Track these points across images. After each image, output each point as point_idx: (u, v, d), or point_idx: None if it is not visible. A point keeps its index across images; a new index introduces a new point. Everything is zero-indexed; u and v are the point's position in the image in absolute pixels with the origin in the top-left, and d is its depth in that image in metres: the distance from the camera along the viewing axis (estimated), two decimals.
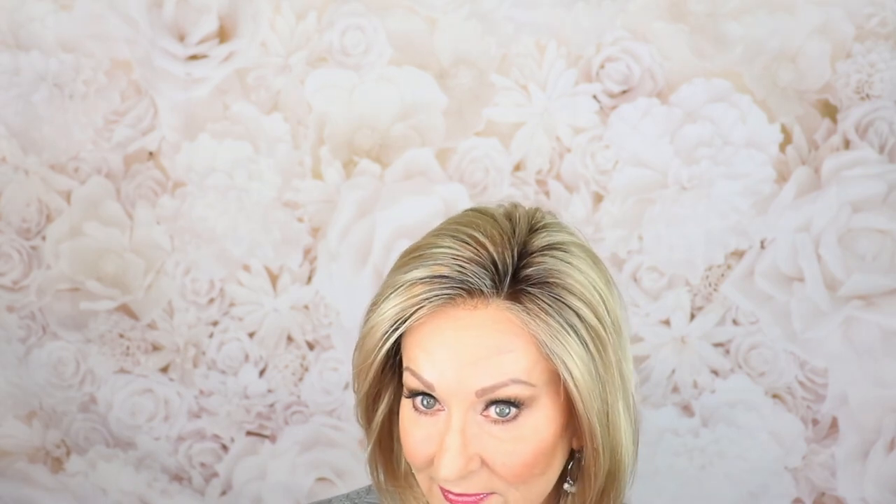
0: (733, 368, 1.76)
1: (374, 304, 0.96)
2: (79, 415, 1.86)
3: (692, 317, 1.75)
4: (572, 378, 0.90)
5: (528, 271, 0.91)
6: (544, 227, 0.96)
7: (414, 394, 0.94)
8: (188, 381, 1.83)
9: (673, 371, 1.77)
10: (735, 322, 1.75)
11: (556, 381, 0.92)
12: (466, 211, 0.98)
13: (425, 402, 0.94)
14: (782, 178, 1.71)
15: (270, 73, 1.74)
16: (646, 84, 1.71)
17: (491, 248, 0.92)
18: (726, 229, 1.72)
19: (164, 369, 1.84)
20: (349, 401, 1.81)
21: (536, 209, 0.98)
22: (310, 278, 1.79)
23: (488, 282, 0.91)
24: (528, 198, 1.73)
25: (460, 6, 1.70)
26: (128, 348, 1.83)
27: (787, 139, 1.70)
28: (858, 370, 1.74)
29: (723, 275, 1.74)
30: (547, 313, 0.90)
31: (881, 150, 1.69)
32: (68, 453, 1.88)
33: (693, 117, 1.70)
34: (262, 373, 1.82)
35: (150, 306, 1.82)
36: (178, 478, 1.86)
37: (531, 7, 1.69)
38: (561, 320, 0.90)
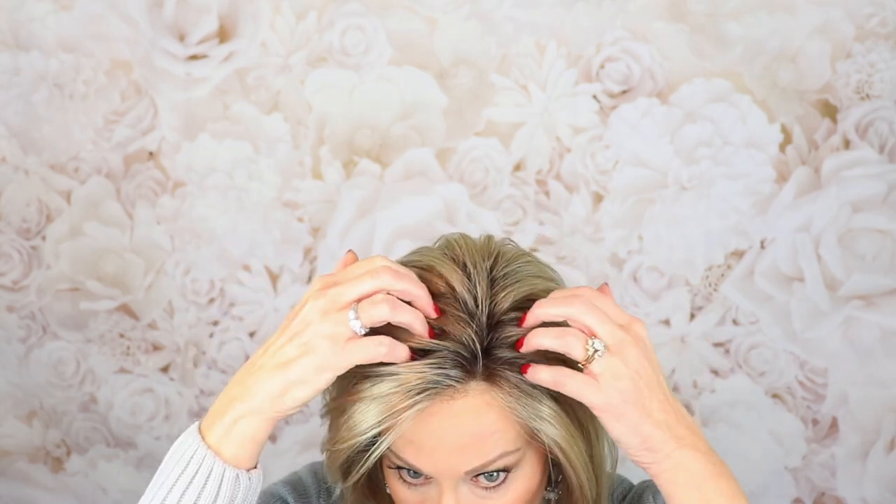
0: (733, 368, 1.76)
1: (339, 409, 0.93)
2: (79, 415, 1.86)
3: (692, 317, 1.75)
4: (557, 444, 0.91)
5: (499, 352, 0.89)
6: (505, 275, 0.92)
7: (399, 468, 0.94)
8: (188, 381, 1.83)
9: (673, 371, 1.77)
10: (735, 322, 1.75)
11: (536, 435, 0.92)
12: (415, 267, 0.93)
13: (412, 475, 0.94)
14: (782, 178, 1.71)
15: (270, 73, 1.74)
16: (646, 84, 1.71)
17: (458, 335, 0.89)
18: (726, 229, 1.72)
19: (165, 369, 1.84)
20: None
21: (488, 241, 0.95)
22: (310, 278, 1.79)
23: (461, 374, 0.89)
24: (528, 198, 1.73)
25: (460, 6, 1.70)
26: (128, 348, 1.83)
27: (787, 139, 1.70)
28: (858, 370, 1.74)
29: (723, 275, 1.74)
30: (525, 392, 0.89)
31: (881, 150, 1.69)
32: (68, 453, 1.88)
33: (693, 117, 1.70)
34: None
35: (150, 306, 1.82)
36: None
37: (531, 7, 1.69)
38: (537, 392, 0.89)
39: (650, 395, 0.89)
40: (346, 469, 0.97)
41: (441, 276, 0.91)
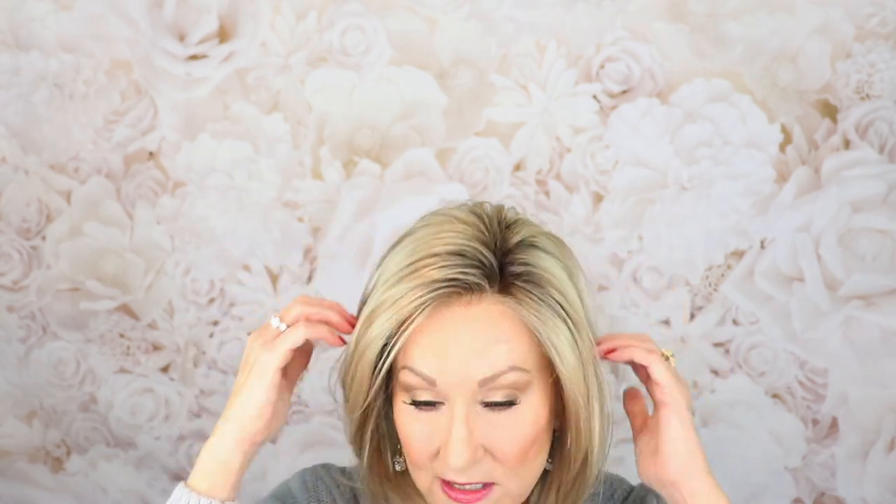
0: (733, 368, 1.76)
1: (366, 323, 1.00)
2: (79, 414, 1.86)
3: (692, 317, 1.75)
4: (562, 361, 0.98)
5: (513, 268, 0.98)
6: (514, 223, 1.02)
7: (412, 396, 0.99)
8: (188, 381, 1.83)
9: None
10: (735, 322, 1.75)
11: (546, 368, 0.99)
12: (434, 215, 1.04)
13: (425, 403, 0.99)
14: (782, 178, 1.71)
15: (270, 73, 1.74)
16: (646, 84, 1.71)
17: (475, 248, 0.98)
18: (726, 229, 1.72)
19: (165, 369, 1.84)
20: None
21: (500, 206, 1.04)
22: (310, 278, 1.79)
23: (481, 279, 0.97)
24: (528, 198, 1.73)
25: (460, 6, 1.70)
26: (128, 348, 1.83)
27: (787, 139, 1.70)
28: (858, 370, 1.74)
29: (723, 275, 1.74)
30: (537, 303, 0.97)
31: (881, 150, 1.69)
32: (68, 453, 1.88)
33: (693, 117, 1.70)
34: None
35: (150, 306, 1.82)
36: (178, 477, 1.86)
37: (531, 7, 1.69)
38: (548, 309, 0.97)
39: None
40: (365, 413, 1.02)
41: (459, 217, 1.01)
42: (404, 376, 0.99)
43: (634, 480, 1.16)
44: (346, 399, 1.05)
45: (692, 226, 1.72)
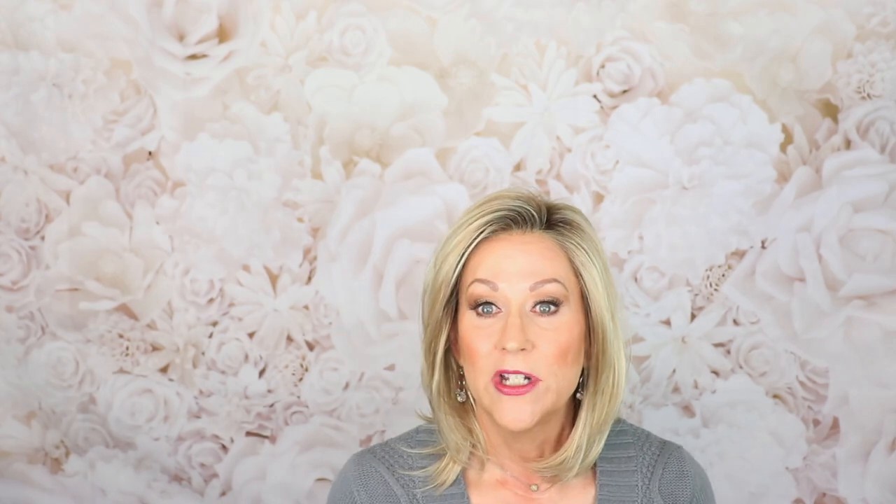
0: (734, 369, 1.76)
1: (446, 244, 1.27)
2: (78, 415, 1.85)
3: (693, 317, 1.75)
4: (592, 281, 1.25)
5: (557, 216, 1.28)
6: (551, 200, 1.32)
7: (477, 304, 1.25)
8: (188, 382, 1.83)
9: (673, 371, 1.77)
10: (736, 322, 1.74)
11: (579, 295, 1.26)
12: (494, 192, 1.32)
13: (486, 309, 1.24)
14: (783, 177, 1.71)
15: (270, 72, 1.74)
16: (646, 84, 1.70)
17: (530, 199, 1.28)
18: (727, 229, 1.72)
19: (164, 369, 1.83)
20: (349, 401, 1.81)
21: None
22: (310, 278, 1.79)
23: (534, 215, 1.27)
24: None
25: (460, 6, 1.70)
26: (127, 348, 1.83)
27: (788, 139, 1.70)
28: (859, 370, 1.73)
29: (723, 275, 1.74)
30: (575, 240, 1.26)
31: (882, 149, 1.69)
32: (67, 454, 1.88)
33: (693, 117, 1.70)
34: (261, 373, 1.82)
35: (149, 306, 1.81)
36: (177, 478, 1.86)
37: (531, 7, 1.69)
38: (584, 245, 1.27)
39: None
40: (436, 334, 1.27)
41: (505, 192, 1.30)
42: (473, 289, 1.25)
43: None
44: (423, 315, 1.29)
45: (693, 226, 1.72)
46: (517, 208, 1.26)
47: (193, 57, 1.75)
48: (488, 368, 1.23)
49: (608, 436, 1.30)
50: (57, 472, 1.89)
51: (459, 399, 1.29)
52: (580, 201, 1.73)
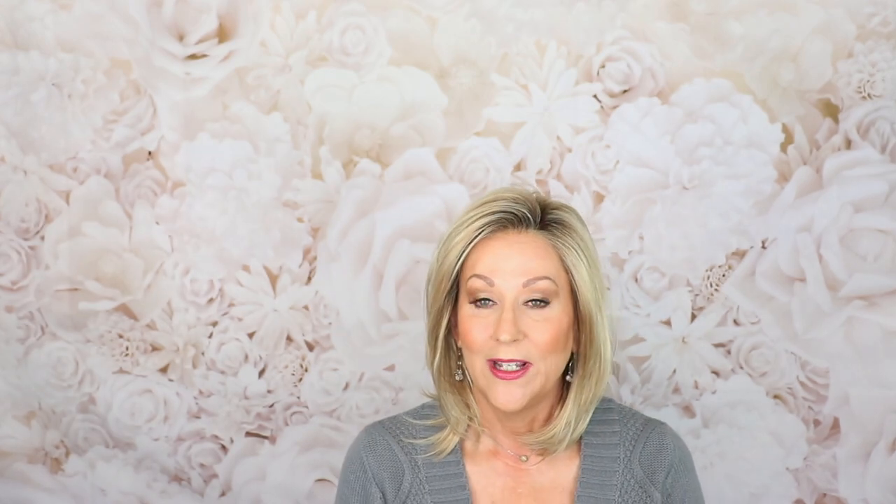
0: (734, 369, 1.75)
1: (447, 241, 1.38)
2: (78, 415, 1.85)
3: (693, 317, 1.75)
4: (579, 276, 1.37)
5: (550, 216, 1.39)
6: (551, 199, 1.43)
7: (476, 297, 1.37)
8: (187, 382, 1.83)
9: (674, 371, 1.76)
10: (736, 322, 1.74)
11: (569, 291, 1.38)
12: (498, 188, 1.53)
13: (483, 303, 1.36)
14: (783, 177, 1.71)
15: (270, 72, 1.74)
16: (646, 84, 1.70)
17: (527, 199, 1.39)
18: (727, 229, 1.72)
19: (164, 370, 1.83)
20: (349, 401, 1.81)
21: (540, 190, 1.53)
22: (309, 278, 1.79)
23: (529, 216, 1.37)
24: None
25: (460, 6, 1.70)
26: (127, 349, 1.83)
27: (789, 139, 1.70)
28: (860, 370, 1.73)
29: (724, 275, 1.73)
30: (566, 240, 1.37)
31: (882, 149, 1.69)
32: (67, 454, 1.88)
33: (694, 117, 1.70)
34: (261, 373, 1.82)
35: (149, 306, 1.81)
36: (177, 478, 1.86)
37: (531, 6, 1.69)
38: (573, 244, 1.37)
39: None
40: (438, 319, 1.39)
41: (503, 192, 1.40)
42: (471, 283, 1.37)
43: None
44: (427, 303, 1.41)
45: (693, 226, 1.72)
46: (514, 210, 1.38)
47: (193, 57, 1.75)
48: (484, 353, 1.36)
49: (595, 413, 1.43)
50: (57, 472, 1.89)
51: (458, 378, 1.43)
52: (580, 201, 1.73)
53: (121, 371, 1.84)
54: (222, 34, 1.74)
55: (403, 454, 1.44)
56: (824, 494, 1.78)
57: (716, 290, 1.74)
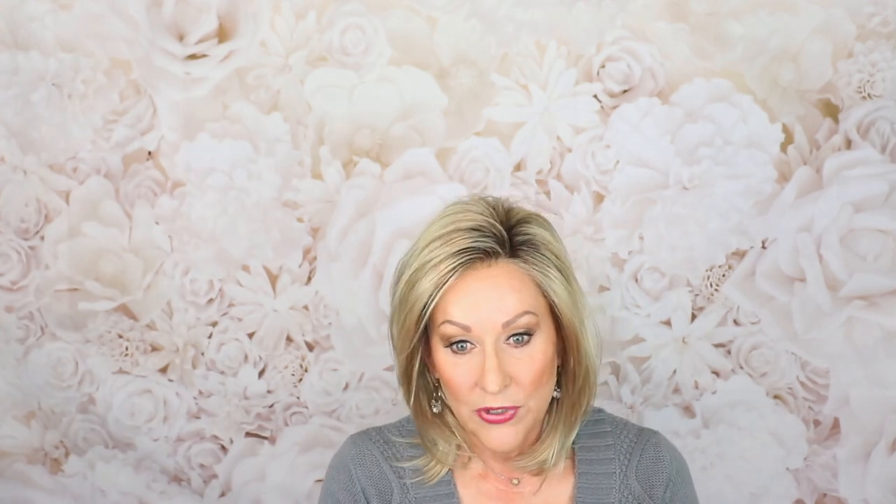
0: (734, 369, 1.75)
1: (409, 284, 1.28)
2: (78, 415, 1.85)
3: (693, 317, 1.75)
4: (558, 297, 1.28)
5: (518, 238, 1.29)
6: (511, 207, 1.32)
7: (451, 342, 1.27)
8: (187, 382, 1.82)
9: (674, 372, 1.76)
10: (736, 322, 1.74)
11: (550, 314, 1.30)
12: (453, 205, 1.32)
13: (460, 346, 1.27)
14: (783, 177, 1.71)
15: (270, 72, 1.74)
16: (646, 84, 1.70)
17: (490, 223, 1.28)
18: (727, 229, 1.71)
19: (164, 370, 1.83)
20: (349, 401, 1.81)
21: (498, 197, 1.33)
22: (309, 279, 1.78)
23: (496, 246, 1.27)
24: (528, 198, 1.72)
25: (460, 6, 1.70)
26: (127, 349, 1.83)
27: (789, 139, 1.70)
28: (860, 371, 1.73)
29: (724, 275, 1.73)
30: (538, 262, 1.28)
31: (883, 149, 1.69)
32: (67, 454, 1.88)
33: (694, 117, 1.70)
34: (261, 373, 1.82)
35: (149, 307, 1.81)
36: (177, 479, 1.85)
37: (531, 6, 1.69)
38: (547, 266, 1.29)
39: None
40: (409, 361, 1.30)
41: (472, 203, 1.30)
42: (444, 329, 1.27)
43: None
44: (394, 345, 1.33)
45: (693, 226, 1.72)
46: (480, 245, 1.27)
47: (193, 57, 1.74)
48: (471, 403, 1.29)
49: (587, 425, 1.39)
50: (56, 472, 1.88)
51: (435, 410, 1.35)
52: (580, 201, 1.72)
53: (120, 371, 1.84)
54: (222, 34, 1.74)
55: (392, 473, 1.37)
56: (824, 495, 1.78)
57: (716, 290, 1.74)
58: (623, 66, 1.70)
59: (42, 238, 1.81)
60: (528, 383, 1.27)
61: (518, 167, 1.74)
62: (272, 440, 1.83)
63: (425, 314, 1.27)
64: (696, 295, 1.74)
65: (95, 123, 1.77)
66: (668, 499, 1.38)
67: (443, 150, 1.74)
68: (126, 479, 1.86)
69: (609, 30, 1.69)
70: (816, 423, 1.76)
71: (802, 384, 1.75)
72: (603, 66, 1.71)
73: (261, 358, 1.81)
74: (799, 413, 1.76)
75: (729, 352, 1.75)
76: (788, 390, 1.75)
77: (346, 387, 1.80)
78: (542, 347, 1.28)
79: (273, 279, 1.79)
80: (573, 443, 1.37)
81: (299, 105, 1.74)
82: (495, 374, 1.25)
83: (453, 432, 1.35)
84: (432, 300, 1.26)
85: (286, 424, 1.82)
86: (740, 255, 1.73)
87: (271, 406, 1.83)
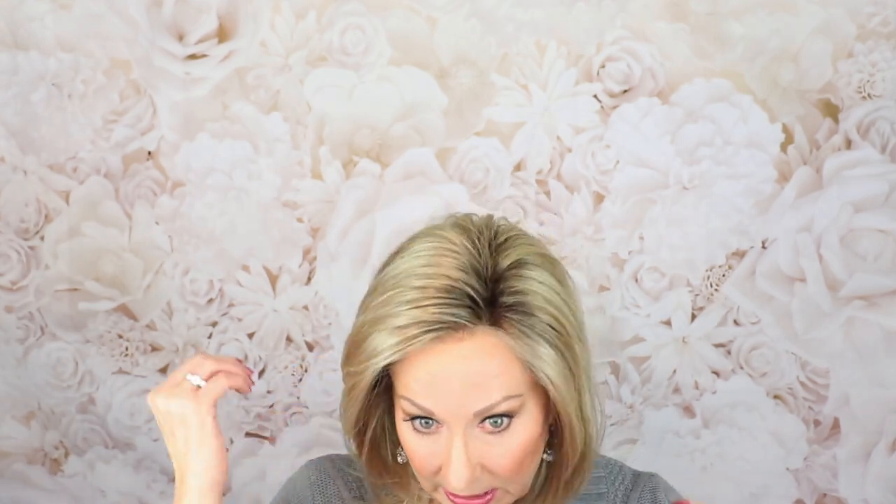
0: (734, 369, 1.75)
1: (364, 333, 1.02)
2: (77, 416, 1.85)
3: (693, 317, 1.75)
4: (551, 382, 1.00)
5: (504, 298, 1.00)
6: (505, 241, 1.04)
7: (412, 417, 1.03)
8: None
9: (674, 372, 1.76)
10: (736, 322, 1.74)
11: (538, 385, 1.03)
12: (425, 239, 1.06)
13: (424, 423, 1.03)
14: (783, 177, 1.71)
15: (270, 72, 1.74)
16: (646, 84, 1.70)
17: (465, 282, 0.99)
18: (727, 229, 1.71)
19: (164, 370, 1.83)
20: None
21: (489, 218, 1.07)
22: (309, 279, 1.79)
23: (470, 315, 0.98)
24: (528, 198, 1.72)
25: (460, 6, 1.70)
26: (127, 349, 1.83)
27: (789, 139, 1.70)
28: (860, 371, 1.73)
29: (724, 275, 1.73)
30: (525, 334, 0.99)
31: (883, 149, 1.69)
32: (67, 454, 1.88)
33: (694, 117, 1.70)
34: (261, 374, 1.82)
35: (149, 307, 1.81)
36: None
37: (531, 6, 1.69)
38: (536, 336, 0.99)
39: None
40: (364, 420, 1.07)
41: (450, 240, 1.03)
42: (404, 405, 1.02)
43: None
44: (344, 392, 1.08)
45: (693, 226, 1.72)
46: (449, 319, 0.97)
47: (193, 57, 1.74)
48: (437, 483, 1.06)
49: None
50: (56, 472, 1.89)
51: (401, 460, 1.12)
52: (580, 201, 1.73)
53: (120, 371, 1.84)
54: (222, 34, 1.74)
55: None
56: (824, 495, 1.78)
57: (716, 290, 1.74)
58: (623, 66, 1.70)
59: (42, 238, 1.81)
60: (506, 472, 1.03)
61: (518, 167, 1.74)
62: (272, 440, 1.84)
63: (373, 384, 1.03)
64: (696, 295, 1.74)
65: (95, 123, 1.77)
66: None
67: (443, 150, 1.74)
68: (126, 479, 1.86)
69: (609, 30, 1.69)
70: (816, 423, 1.76)
71: (802, 384, 1.75)
72: (603, 66, 1.71)
73: (261, 358, 1.81)
74: (799, 413, 1.76)
75: (729, 352, 1.75)
76: (788, 390, 1.75)
77: None
78: (524, 430, 1.03)
79: (273, 279, 1.79)
80: None
81: (299, 105, 1.74)
82: (461, 468, 1.00)
83: (423, 487, 1.10)
84: (381, 371, 1.01)
85: (286, 424, 1.82)
86: (740, 255, 1.73)
87: (271, 406, 1.83)
